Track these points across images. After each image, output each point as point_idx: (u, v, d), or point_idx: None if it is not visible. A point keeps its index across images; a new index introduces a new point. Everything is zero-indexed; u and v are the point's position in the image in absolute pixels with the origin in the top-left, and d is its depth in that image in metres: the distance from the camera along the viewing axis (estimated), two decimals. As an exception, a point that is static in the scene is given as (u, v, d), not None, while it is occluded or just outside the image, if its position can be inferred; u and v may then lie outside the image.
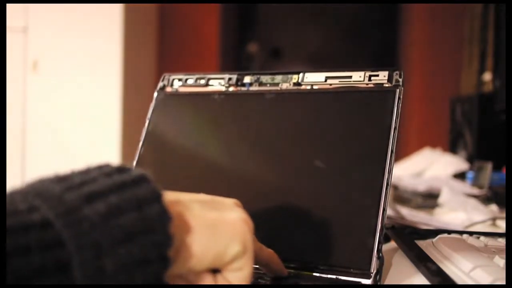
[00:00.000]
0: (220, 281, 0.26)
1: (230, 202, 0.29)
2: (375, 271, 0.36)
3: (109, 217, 0.19)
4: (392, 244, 0.48)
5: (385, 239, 0.41)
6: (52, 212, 0.19)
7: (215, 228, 0.25)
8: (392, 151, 0.40)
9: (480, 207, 0.75)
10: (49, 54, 2.01)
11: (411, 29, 2.67)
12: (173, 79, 0.54)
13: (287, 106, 0.46)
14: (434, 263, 0.38)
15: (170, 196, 0.23)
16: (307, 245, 0.39)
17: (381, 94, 0.43)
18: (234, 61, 2.90)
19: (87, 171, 0.22)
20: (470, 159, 1.24)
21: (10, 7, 1.88)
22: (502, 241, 0.46)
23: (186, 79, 0.53)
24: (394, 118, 0.41)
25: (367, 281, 0.36)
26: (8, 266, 0.17)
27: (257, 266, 0.39)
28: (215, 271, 0.26)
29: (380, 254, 0.36)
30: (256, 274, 0.37)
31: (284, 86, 0.48)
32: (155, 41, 2.50)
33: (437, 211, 0.78)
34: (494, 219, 0.68)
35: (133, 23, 2.10)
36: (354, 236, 0.38)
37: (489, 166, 0.96)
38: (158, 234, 0.20)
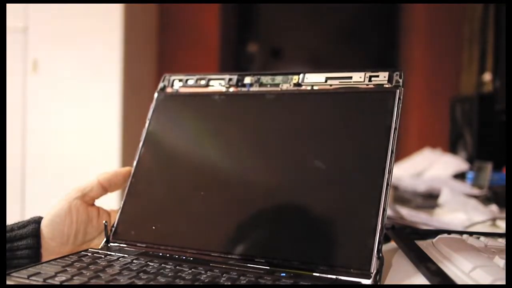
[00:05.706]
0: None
1: None
2: (375, 271, 0.36)
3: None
4: (392, 244, 0.48)
5: (385, 239, 0.41)
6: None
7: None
8: (392, 151, 0.40)
9: (480, 207, 0.75)
10: (49, 54, 2.01)
11: (411, 30, 2.67)
12: (174, 80, 0.54)
13: (288, 107, 0.46)
14: (434, 263, 0.39)
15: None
16: (307, 245, 0.39)
17: (381, 95, 0.43)
18: (234, 61, 2.90)
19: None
20: (470, 159, 1.24)
21: (10, 7, 1.88)
22: (502, 241, 0.46)
23: (187, 80, 0.53)
24: (394, 119, 0.41)
25: (367, 281, 0.36)
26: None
27: (256, 266, 0.39)
28: None
29: (380, 254, 0.36)
30: (256, 274, 0.37)
31: (285, 86, 0.48)
32: (155, 41, 2.50)
33: (437, 211, 0.79)
34: (494, 219, 0.68)
35: (133, 23, 2.10)
36: (354, 236, 0.38)
37: (489, 166, 0.96)
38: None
